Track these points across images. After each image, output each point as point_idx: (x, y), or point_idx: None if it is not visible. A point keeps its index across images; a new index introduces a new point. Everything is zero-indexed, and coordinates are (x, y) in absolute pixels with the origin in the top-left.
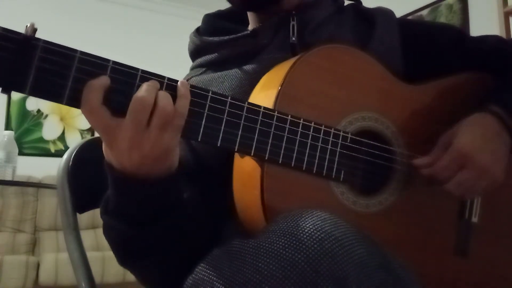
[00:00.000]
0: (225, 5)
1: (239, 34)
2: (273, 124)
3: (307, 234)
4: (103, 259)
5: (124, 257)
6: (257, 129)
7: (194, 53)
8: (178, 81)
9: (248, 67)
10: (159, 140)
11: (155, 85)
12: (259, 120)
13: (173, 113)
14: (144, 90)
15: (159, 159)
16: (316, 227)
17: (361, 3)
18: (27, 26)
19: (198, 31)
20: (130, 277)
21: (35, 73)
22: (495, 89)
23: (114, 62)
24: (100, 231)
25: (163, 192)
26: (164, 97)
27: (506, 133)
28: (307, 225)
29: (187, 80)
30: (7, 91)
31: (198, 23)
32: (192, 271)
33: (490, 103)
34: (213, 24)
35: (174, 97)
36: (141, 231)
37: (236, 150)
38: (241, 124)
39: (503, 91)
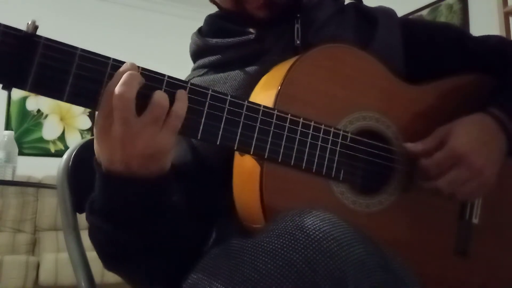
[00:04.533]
0: None
1: (244, 38)
2: (273, 123)
3: (306, 234)
4: None
5: (108, 259)
6: (257, 127)
7: (196, 54)
8: (178, 79)
9: (250, 68)
10: (152, 138)
11: (133, 78)
12: (259, 119)
13: (166, 110)
14: (121, 84)
15: (151, 158)
16: (314, 226)
17: (361, 1)
18: (28, 23)
19: (200, 32)
20: None
21: (36, 70)
22: (496, 91)
23: (114, 60)
24: None
25: (151, 193)
26: (159, 93)
27: (504, 137)
28: (306, 225)
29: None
30: (8, 87)
31: (198, 23)
32: (182, 273)
33: (491, 105)
34: (215, 25)
35: (173, 95)
36: (127, 233)
37: (235, 148)
38: (241, 122)
39: (503, 93)
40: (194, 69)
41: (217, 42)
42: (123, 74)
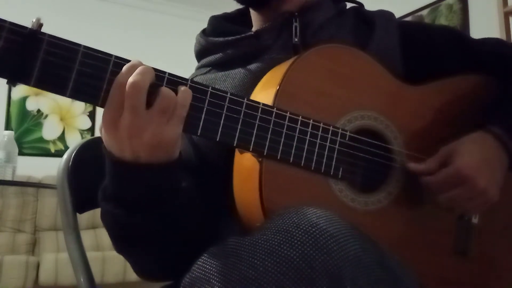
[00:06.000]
0: (226, 5)
1: (243, 35)
2: (272, 120)
3: (302, 230)
4: (103, 259)
5: (119, 243)
6: (256, 124)
7: (200, 54)
8: (178, 76)
9: (250, 67)
10: (159, 130)
11: (148, 70)
12: (258, 116)
13: (174, 102)
14: (136, 74)
15: (159, 148)
16: (311, 223)
17: (363, 6)
18: (33, 21)
19: (204, 32)
20: (130, 277)
21: (40, 66)
22: (495, 106)
23: (116, 57)
24: (100, 231)
25: (159, 179)
26: (166, 88)
27: (505, 155)
28: (302, 222)
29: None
30: (13, 82)
31: (198, 23)
32: (187, 264)
33: (491, 123)
34: (218, 25)
35: (175, 91)
36: (137, 217)
37: (235, 145)
38: (240, 119)
39: (503, 109)
40: (197, 68)
41: (218, 40)
42: (132, 67)
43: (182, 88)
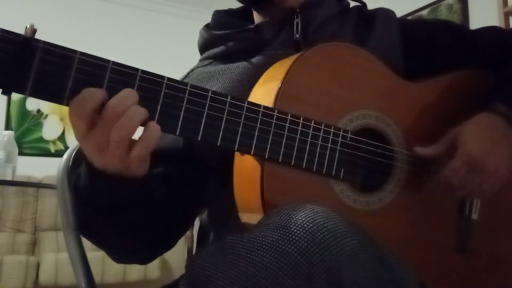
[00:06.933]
0: (226, 6)
1: (242, 28)
2: (273, 123)
3: (300, 226)
4: (103, 259)
5: (83, 227)
6: (257, 128)
7: (203, 47)
8: (177, 81)
9: (250, 61)
10: (125, 164)
11: (130, 94)
12: (259, 119)
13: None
14: (116, 99)
15: (123, 171)
16: (308, 219)
17: (365, 5)
18: (26, 27)
19: (207, 26)
20: (130, 277)
21: (35, 75)
22: (499, 86)
23: (114, 63)
24: None
25: (123, 191)
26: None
27: (511, 130)
28: (300, 218)
29: (191, 71)
30: (7, 92)
31: (199, 23)
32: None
33: (495, 101)
34: (221, 19)
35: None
36: (98, 216)
37: (236, 149)
38: (241, 123)
39: (506, 86)
40: (200, 60)
41: (219, 33)
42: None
43: (150, 124)
